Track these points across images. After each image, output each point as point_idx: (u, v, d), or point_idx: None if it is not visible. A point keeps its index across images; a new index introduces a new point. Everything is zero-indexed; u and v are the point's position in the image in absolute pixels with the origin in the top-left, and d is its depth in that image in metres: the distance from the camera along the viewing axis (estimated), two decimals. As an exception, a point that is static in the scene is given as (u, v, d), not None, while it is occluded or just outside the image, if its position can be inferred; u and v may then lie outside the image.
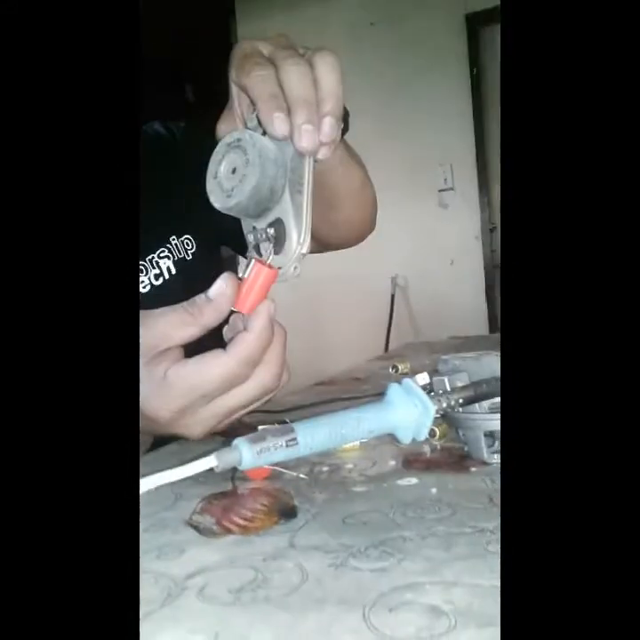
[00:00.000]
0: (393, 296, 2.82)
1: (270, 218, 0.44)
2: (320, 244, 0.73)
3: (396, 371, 0.58)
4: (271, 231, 0.44)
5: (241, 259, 0.45)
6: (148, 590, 0.27)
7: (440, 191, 2.73)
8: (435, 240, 2.75)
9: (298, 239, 0.43)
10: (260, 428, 0.47)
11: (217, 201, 0.44)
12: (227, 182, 0.44)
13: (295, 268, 0.44)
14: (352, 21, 2.65)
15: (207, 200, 0.66)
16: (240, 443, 0.36)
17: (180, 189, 0.72)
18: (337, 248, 0.78)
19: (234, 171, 0.43)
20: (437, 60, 2.67)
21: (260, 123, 0.43)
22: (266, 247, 0.44)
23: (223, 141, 0.45)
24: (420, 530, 0.31)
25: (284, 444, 0.36)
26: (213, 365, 0.41)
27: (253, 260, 0.43)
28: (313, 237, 0.57)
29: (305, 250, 0.43)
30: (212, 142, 0.64)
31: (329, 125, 0.43)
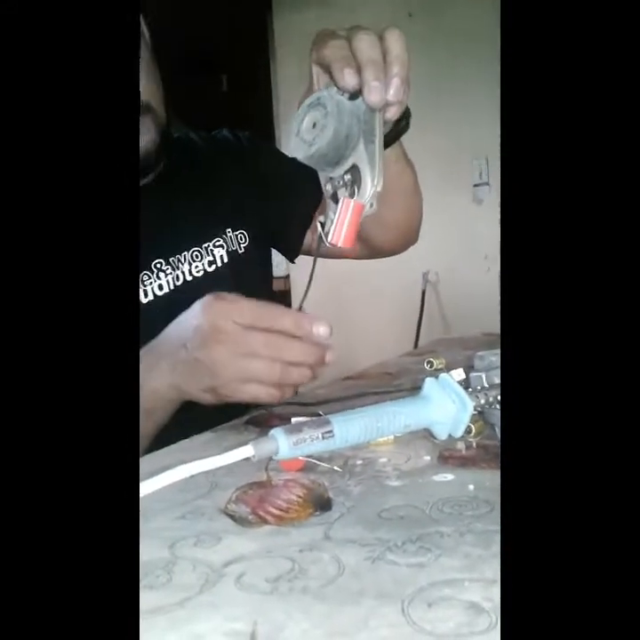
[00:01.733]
0: (424, 291, 2.80)
1: (346, 165, 0.49)
2: (367, 247, 0.77)
3: (431, 366, 0.57)
4: (348, 177, 0.49)
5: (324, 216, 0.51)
6: (187, 576, 0.28)
7: (475, 186, 2.69)
8: (468, 235, 2.72)
9: (372, 180, 0.48)
10: (293, 419, 0.47)
11: (299, 151, 0.49)
12: (308, 135, 0.49)
13: (371, 204, 0.48)
14: (390, 12, 2.62)
15: (264, 202, 0.75)
16: (277, 433, 0.36)
17: (241, 190, 0.79)
18: (382, 253, 0.81)
19: (314, 125, 0.49)
20: (475, 52, 2.63)
21: (335, 85, 0.49)
22: (342, 193, 0.49)
23: (304, 103, 0.50)
24: (458, 526, 0.31)
25: (320, 436, 0.36)
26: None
27: (342, 198, 0.48)
28: (362, 239, 0.59)
29: (379, 188, 0.48)
30: (271, 150, 0.71)
31: (396, 86, 0.48)
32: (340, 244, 0.48)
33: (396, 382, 0.73)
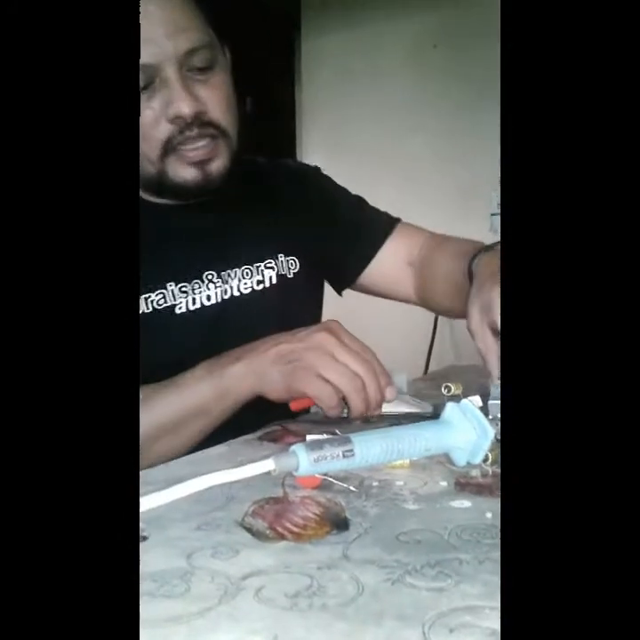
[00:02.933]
0: (436, 318, 2.80)
1: None
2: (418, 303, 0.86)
3: (449, 391, 0.57)
4: None
5: None
6: (205, 587, 0.28)
7: (492, 215, 2.70)
8: (483, 264, 2.72)
9: None
10: (308, 436, 0.47)
11: None
12: None
13: None
14: (415, 42, 2.66)
15: (321, 234, 0.81)
16: (298, 449, 0.36)
17: (299, 219, 0.81)
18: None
19: None
20: (498, 83, 2.65)
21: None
22: None
23: None
24: (477, 554, 0.31)
25: (340, 455, 0.36)
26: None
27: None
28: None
29: None
30: (337, 186, 0.86)
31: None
32: None
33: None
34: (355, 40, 2.73)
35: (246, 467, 0.36)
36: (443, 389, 0.58)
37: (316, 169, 0.89)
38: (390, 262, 0.84)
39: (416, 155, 2.56)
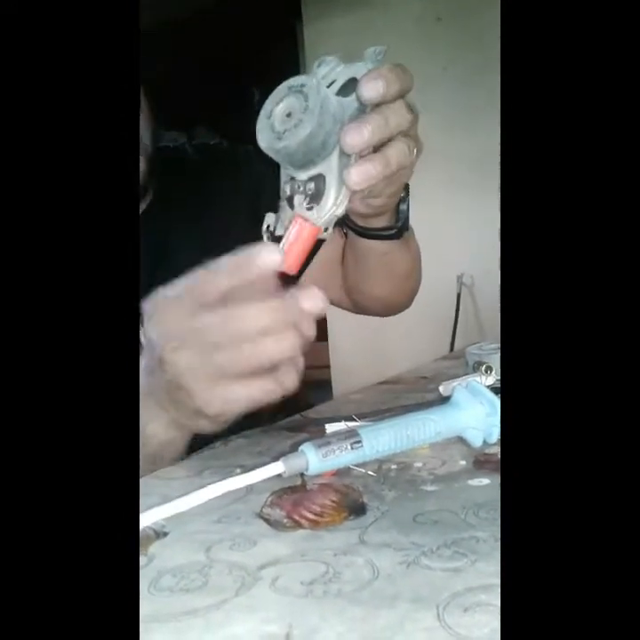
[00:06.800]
0: (459, 295, 2.77)
1: (312, 172, 0.42)
2: (352, 306, 0.77)
3: (490, 372, 0.52)
4: (311, 185, 0.42)
5: (274, 215, 0.44)
6: (223, 579, 0.28)
7: (508, 188, 2.66)
8: (503, 238, 2.69)
9: (335, 200, 0.42)
10: (327, 425, 0.47)
11: (264, 141, 0.42)
12: (280, 124, 0.42)
13: (326, 229, 0.42)
14: (419, 17, 2.62)
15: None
16: (306, 448, 0.36)
17: (236, 204, 0.72)
18: (367, 314, 0.79)
19: (289, 114, 0.42)
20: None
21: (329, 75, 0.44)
22: (300, 200, 0.43)
23: (285, 83, 0.43)
24: (494, 531, 0.30)
25: (348, 447, 0.36)
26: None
27: (297, 218, 0.42)
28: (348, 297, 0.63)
29: (340, 211, 0.42)
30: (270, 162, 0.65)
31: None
32: (284, 269, 0.41)
33: (432, 386, 0.72)
34: (357, 21, 2.69)
35: (256, 471, 0.36)
36: (483, 371, 0.53)
37: (252, 150, 0.75)
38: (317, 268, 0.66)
39: (426, 130, 2.53)
